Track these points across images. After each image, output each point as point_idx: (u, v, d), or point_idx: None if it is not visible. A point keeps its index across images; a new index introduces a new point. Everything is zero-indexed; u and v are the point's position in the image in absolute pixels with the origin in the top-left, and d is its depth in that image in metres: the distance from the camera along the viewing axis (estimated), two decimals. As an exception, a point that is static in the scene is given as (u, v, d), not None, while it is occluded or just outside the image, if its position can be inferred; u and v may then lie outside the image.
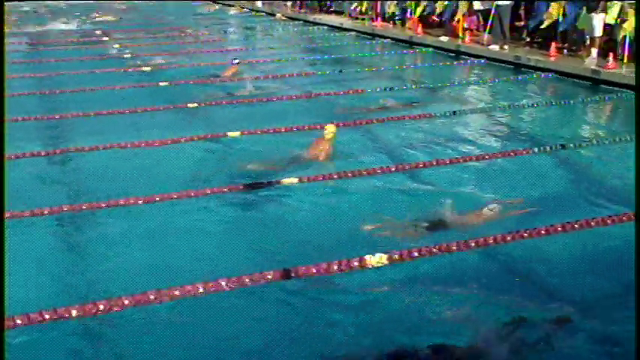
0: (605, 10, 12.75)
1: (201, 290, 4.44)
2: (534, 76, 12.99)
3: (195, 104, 10.30)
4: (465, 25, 16.89)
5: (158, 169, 7.43)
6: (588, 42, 13.19)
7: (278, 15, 27.29)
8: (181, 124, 9.34)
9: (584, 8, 13.14)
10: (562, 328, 4.18)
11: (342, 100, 11.00)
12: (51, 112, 9.94)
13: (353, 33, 20.73)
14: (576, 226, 5.45)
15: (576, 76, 12.45)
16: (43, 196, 6.43)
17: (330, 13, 25.45)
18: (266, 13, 29.07)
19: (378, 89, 11.72)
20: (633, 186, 6.77)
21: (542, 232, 5.34)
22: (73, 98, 11.08)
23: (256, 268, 4.77)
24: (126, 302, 4.30)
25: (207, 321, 4.39)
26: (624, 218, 5.64)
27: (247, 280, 4.56)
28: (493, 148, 8.25)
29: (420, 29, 18.14)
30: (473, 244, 5.13)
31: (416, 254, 4.95)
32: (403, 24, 20.02)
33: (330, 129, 7.65)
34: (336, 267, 4.77)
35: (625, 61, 12.39)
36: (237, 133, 8.47)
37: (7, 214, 5.08)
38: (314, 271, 4.73)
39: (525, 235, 5.30)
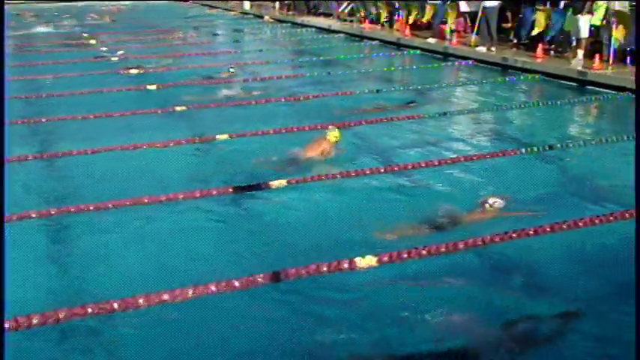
0: (590, 12, 12.86)
1: (190, 293, 4.42)
2: (521, 77, 13.07)
3: (184, 107, 10.27)
4: (453, 27, 16.96)
5: (146, 172, 7.39)
6: (574, 43, 13.29)
7: (266, 17, 27.27)
8: (170, 127, 9.31)
9: (570, 10, 13.24)
10: (552, 329, 4.20)
11: (330, 102, 11.01)
12: (38, 116, 9.87)
13: (341, 35, 20.76)
14: (564, 226, 5.47)
15: (563, 77, 12.54)
16: (31, 200, 6.39)
17: (319, 15, 25.48)
18: (254, 15, 29.06)
19: (366, 91, 11.75)
20: (619, 185, 6.87)
21: (531, 232, 5.35)
22: (59, 102, 11.01)
23: (245, 270, 4.76)
24: (115, 306, 4.27)
25: (196, 324, 4.37)
26: (611, 218, 5.67)
27: (237, 283, 4.54)
28: (481, 149, 8.29)
29: (407, 31, 18.21)
30: (462, 246, 5.14)
31: (405, 256, 4.96)
32: (391, 26, 20.08)
33: (334, 133, 7.67)
34: (325, 269, 4.76)
35: (610, 62, 12.49)
36: (225, 136, 8.46)
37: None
38: (304, 273, 4.72)
39: (514, 235, 5.30)
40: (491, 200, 6.01)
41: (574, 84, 12.20)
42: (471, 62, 14.73)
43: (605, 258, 5.27)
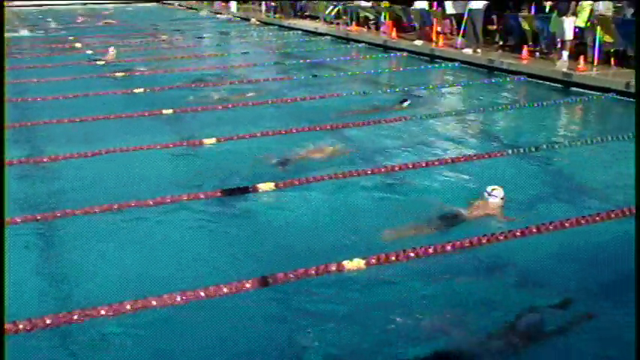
0: (575, 14, 12.96)
1: (178, 299, 4.40)
2: (507, 79, 13.14)
3: (171, 110, 10.23)
4: (439, 29, 17.03)
5: (133, 176, 7.35)
6: (559, 45, 13.38)
7: (252, 20, 27.24)
8: (157, 130, 9.27)
9: (555, 12, 13.34)
10: (552, 328, 4.21)
11: (317, 104, 11.01)
12: (23, 120, 9.79)
13: (328, 37, 20.78)
14: (551, 227, 5.50)
15: (548, 78, 12.62)
16: (16, 205, 6.33)
17: (305, 18, 25.48)
18: (241, 18, 29.02)
19: (353, 93, 11.78)
20: (605, 185, 6.93)
21: (518, 233, 5.39)
22: (44, 105, 10.93)
23: (233, 274, 4.75)
24: (102, 312, 4.25)
25: (184, 330, 4.35)
26: (597, 218, 5.72)
27: (225, 288, 4.52)
28: (468, 150, 8.33)
29: (394, 33, 18.26)
30: (449, 248, 5.16)
31: (393, 258, 4.97)
32: (377, 28, 20.12)
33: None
34: (313, 272, 4.76)
35: (595, 63, 12.59)
36: (212, 140, 8.43)
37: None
38: (291, 276, 4.72)
39: (501, 237, 5.34)
40: (489, 189, 6.08)
41: (559, 85, 12.28)
42: (457, 64, 14.78)
43: (596, 257, 5.30)
